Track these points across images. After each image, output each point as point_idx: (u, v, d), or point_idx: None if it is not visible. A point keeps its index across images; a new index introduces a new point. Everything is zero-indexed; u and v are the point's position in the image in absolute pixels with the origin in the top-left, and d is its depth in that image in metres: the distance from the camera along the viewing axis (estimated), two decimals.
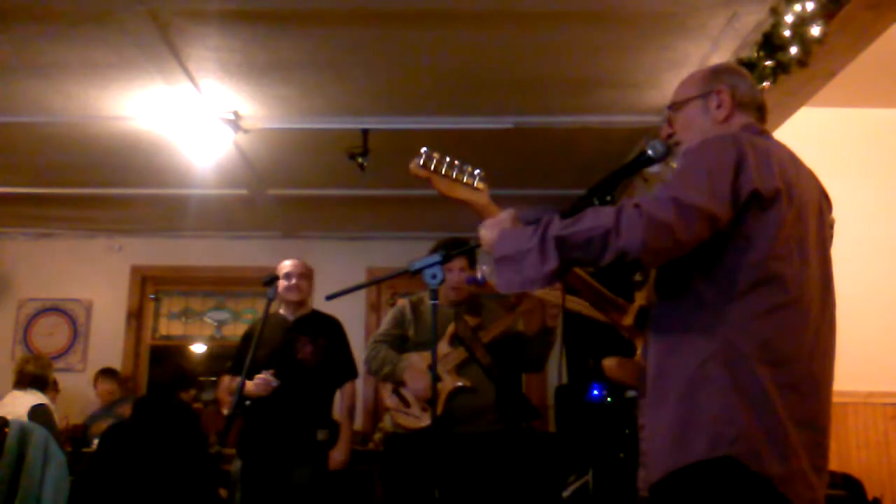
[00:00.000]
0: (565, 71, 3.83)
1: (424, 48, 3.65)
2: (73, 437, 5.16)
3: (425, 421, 3.23)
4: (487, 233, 1.72)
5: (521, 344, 3.36)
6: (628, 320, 1.89)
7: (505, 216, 1.73)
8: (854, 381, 3.82)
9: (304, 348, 3.88)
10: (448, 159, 1.89)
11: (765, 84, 3.18)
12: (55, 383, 5.22)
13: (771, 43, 3.14)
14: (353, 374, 4.06)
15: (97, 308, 6.88)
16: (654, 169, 1.87)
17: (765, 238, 1.53)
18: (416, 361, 3.33)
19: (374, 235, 6.88)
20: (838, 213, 1.83)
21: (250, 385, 3.77)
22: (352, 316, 6.75)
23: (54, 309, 6.85)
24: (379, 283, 6.67)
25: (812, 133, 4.08)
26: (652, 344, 1.67)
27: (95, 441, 4.61)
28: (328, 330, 4.03)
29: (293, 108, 4.27)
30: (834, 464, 3.92)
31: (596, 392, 4.44)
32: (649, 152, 1.82)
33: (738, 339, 1.51)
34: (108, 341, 6.77)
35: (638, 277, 2.18)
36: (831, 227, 1.78)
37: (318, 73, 3.86)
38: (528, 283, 1.57)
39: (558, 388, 5.30)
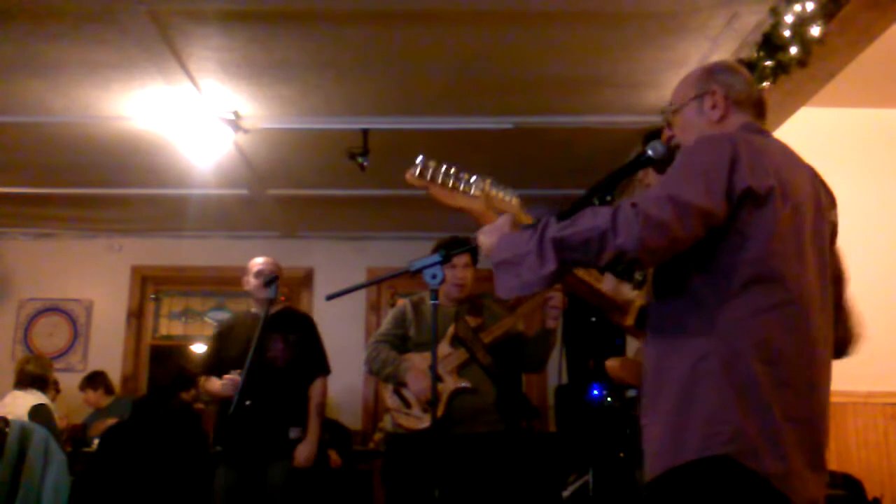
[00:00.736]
0: (565, 71, 3.83)
1: (424, 48, 3.65)
2: (73, 437, 5.16)
3: (426, 422, 3.23)
4: (486, 239, 1.71)
5: (521, 345, 3.36)
6: (629, 320, 1.89)
7: (503, 221, 1.72)
8: (854, 381, 3.81)
9: (275, 346, 3.88)
10: (444, 167, 1.89)
11: (765, 84, 3.18)
12: (55, 383, 5.21)
13: (771, 43, 3.14)
14: (323, 370, 4.03)
15: (97, 308, 6.88)
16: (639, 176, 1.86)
17: (760, 236, 1.53)
18: (418, 362, 3.33)
19: (374, 235, 6.88)
20: (838, 213, 1.83)
21: (217, 385, 3.77)
22: (352, 316, 6.77)
23: (54, 309, 6.85)
24: (379, 283, 6.67)
25: (812, 133, 4.08)
26: (650, 343, 1.67)
27: (95, 441, 4.61)
28: (299, 326, 4.03)
29: (293, 108, 4.27)
30: (834, 464, 3.93)
31: (596, 392, 4.44)
32: (649, 152, 1.82)
33: (733, 338, 1.52)
34: (108, 341, 6.77)
35: (638, 277, 2.18)
36: (833, 224, 1.77)
37: (318, 73, 3.87)
38: (527, 287, 1.56)
39: (558, 388, 5.30)
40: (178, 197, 5.77)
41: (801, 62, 3.10)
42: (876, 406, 4.15)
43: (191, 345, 7.17)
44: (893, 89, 4.26)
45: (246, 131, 4.49)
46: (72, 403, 5.92)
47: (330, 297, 2.14)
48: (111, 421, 4.73)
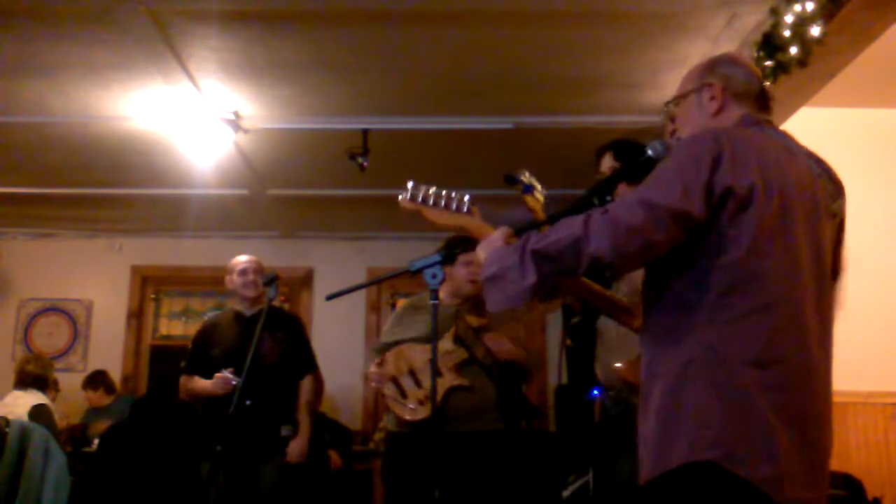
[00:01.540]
0: (565, 71, 3.83)
1: (424, 48, 3.65)
2: (73, 437, 5.16)
3: (421, 413, 3.24)
4: (481, 253, 1.71)
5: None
6: (638, 323, 1.88)
7: (496, 236, 1.72)
8: (854, 381, 3.81)
9: (263, 344, 3.87)
10: (435, 189, 1.89)
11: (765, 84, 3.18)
12: (55, 383, 5.22)
13: (771, 43, 3.14)
14: (311, 367, 4.04)
15: (97, 308, 6.89)
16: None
17: (743, 237, 1.50)
18: (409, 354, 3.34)
19: (374, 235, 6.88)
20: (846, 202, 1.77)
21: (208, 384, 3.76)
22: (352, 316, 6.77)
23: (54, 309, 6.86)
24: (379, 283, 6.67)
25: (812, 133, 4.05)
26: (644, 347, 1.67)
27: (95, 441, 4.61)
28: (285, 324, 4.03)
29: (293, 108, 4.27)
30: (834, 464, 3.91)
31: (596, 392, 4.43)
32: (649, 152, 1.82)
33: (718, 342, 1.49)
34: (108, 341, 6.77)
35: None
36: (837, 215, 1.72)
37: (318, 73, 3.87)
38: (511, 301, 1.56)
39: (558, 388, 5.30)
40: (179, 197, 5.77)
41: (801, 62, 3.09)
42: (876, 406, 4.14)
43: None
44: (893, 89, 4.25)
45: (246, 131, 4.49)
46: (72, 403, 5.92)
47: (330, 297, 2.15)
48: (104, 426, 4.73)
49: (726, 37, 3.40)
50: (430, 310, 2.03)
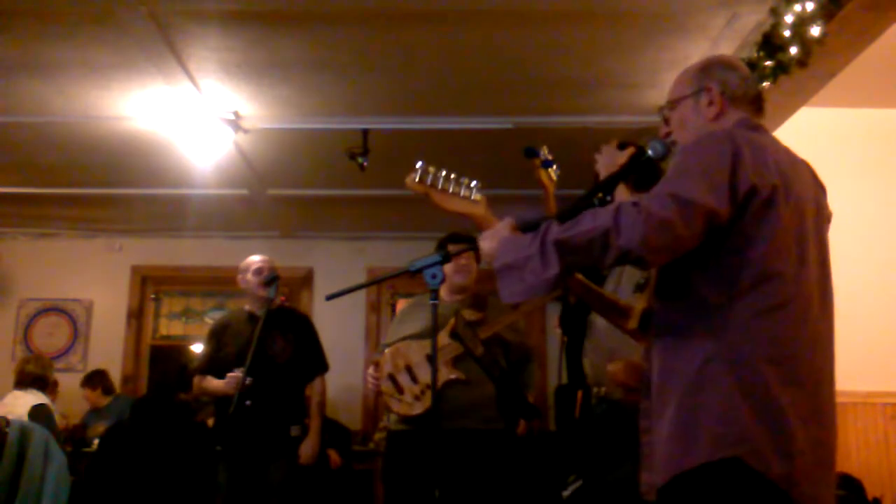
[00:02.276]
0: (565, 71, 3.83)
1: (424, 48, 3.65)
2: (73, 437, 5.16)
3: (418, 409, 3.25)
4: (487, 244, 1.69)
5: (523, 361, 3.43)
6: (632, 324, 1.88)
7: (502, 226, 1.70)
8: (854, 381, 3.81)
9: (275, 343, 3.88)
10: (444, 173, 1.89)
11: (765, 84, 3.18)
12: (55, 383, 5.22)
13: (771, 43, 3.14)
14: (322, 368, 4.05)
15: (97, 308, 6.88)
16: None
17: (763, 235, 1.52)
18: (405, 350, 3.35)
19: (374, 235, 6.88)
20: (838, 212, 1.82)
21: (221, 384, 3.76)
22: (352, 316, 6.77)
23: (54, 309, 6.86)
24: (379, 283, 6.67)
25: (812, 133, 4.08)
26: (655, 346, 1.66)
27: (95, 441, 4.61)
28: (297, 324, 4.04)
29: (293, 108, 4.27)
30: None
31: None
32: (649, 152, 1.81)
33: (739, 339, 1.50)
34: (108, 341, 6.77)
35: (639, 280, 2.17)
36: (828, 220, 1.75)
37: (318, 73, 3.87)
38: (530, 291, 1.55)
39: (558, 388, 5.30)
40: (179, 197, 5.77)
41: (801, 62, 3.09)
42: (876, 406, 4.15)
43: (191, 345, 7.18)
44: (893, 89, 4.25)
45: (246, 131, 4.49)
46: (72, 403, 5.92)
47: (330, 297, 2.14)
48: (103, 427, 4.73)
49: (726, 37, 3.40)
50: (431, 307, 2.02)
